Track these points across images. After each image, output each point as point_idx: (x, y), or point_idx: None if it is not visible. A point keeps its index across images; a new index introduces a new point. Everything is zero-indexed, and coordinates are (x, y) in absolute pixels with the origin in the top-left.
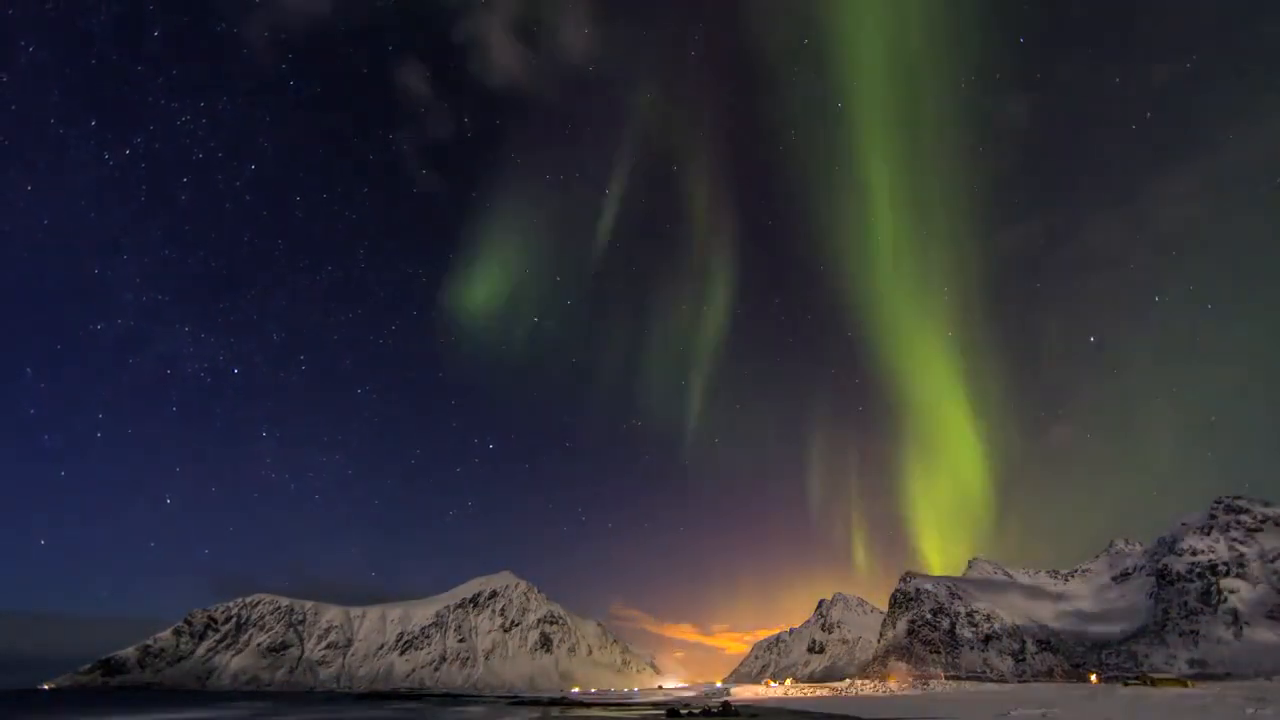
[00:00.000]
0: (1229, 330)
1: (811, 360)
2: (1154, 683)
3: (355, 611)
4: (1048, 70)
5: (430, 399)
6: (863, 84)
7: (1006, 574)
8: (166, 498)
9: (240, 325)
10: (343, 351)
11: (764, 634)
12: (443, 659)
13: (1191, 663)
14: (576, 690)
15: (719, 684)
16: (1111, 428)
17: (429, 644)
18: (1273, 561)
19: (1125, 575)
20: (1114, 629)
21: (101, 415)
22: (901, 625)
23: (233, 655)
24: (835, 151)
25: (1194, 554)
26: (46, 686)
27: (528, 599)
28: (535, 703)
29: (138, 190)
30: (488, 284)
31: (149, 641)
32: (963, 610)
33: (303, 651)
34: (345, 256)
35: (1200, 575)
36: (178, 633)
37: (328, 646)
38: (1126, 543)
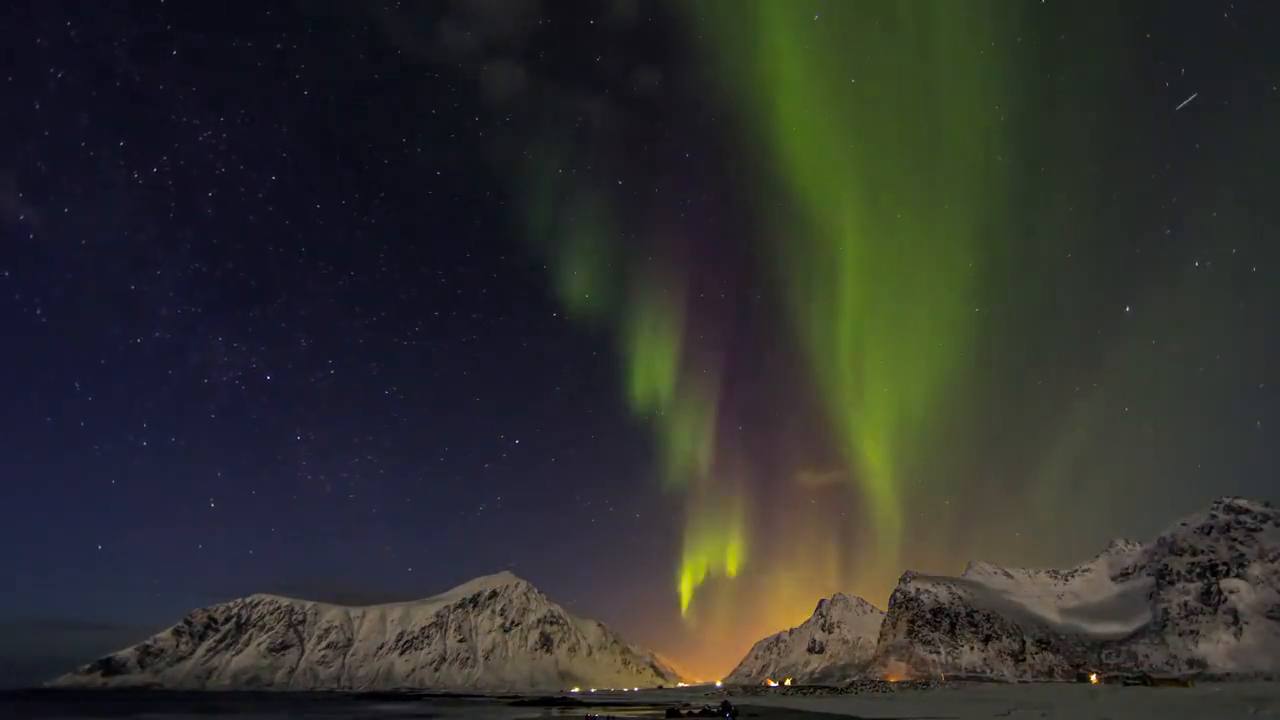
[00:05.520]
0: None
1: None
2: (1154, 683)
3: (355, 611)
4: None
5: (456, 397)
6: None
7: (1006, 574)
8: (210, 501)
9: (270, 333)
10: (369, 354)
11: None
12: (443, 659)
13: (1191, 663)
14: (576, 690)
15: (718, 684)
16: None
17: (429, 644)
18: (1273, 561)
19: (1125, 575)
20: (1114, 629)
21: (145, 425)
22: (901, 625)
23: (233, 655)
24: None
25: (1194, 554)
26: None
27: (527, 599)
28: (535, 703)
29: (166, 206)
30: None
31: (148, 642)
32: (963, 610)
33: (303, 651)
34: (366, 261)
35: (1200, 575)
36: (177, 633)
37: (328, 646)
38: (1126, 543)
